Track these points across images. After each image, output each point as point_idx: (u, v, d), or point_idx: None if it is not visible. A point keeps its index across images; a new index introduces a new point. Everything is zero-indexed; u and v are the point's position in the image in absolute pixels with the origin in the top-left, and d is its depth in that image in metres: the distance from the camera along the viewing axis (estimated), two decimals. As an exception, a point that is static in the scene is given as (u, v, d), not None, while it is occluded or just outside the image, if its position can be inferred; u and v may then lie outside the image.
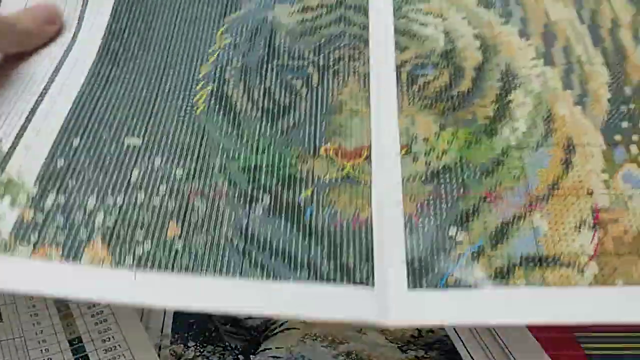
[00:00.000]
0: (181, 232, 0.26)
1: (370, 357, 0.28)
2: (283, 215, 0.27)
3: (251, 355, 0.29)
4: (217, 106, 0.31)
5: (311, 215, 0.27)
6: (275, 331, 0.30)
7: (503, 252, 0.25)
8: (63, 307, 0.31)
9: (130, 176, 0.28)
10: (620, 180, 0.27)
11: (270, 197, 0.27)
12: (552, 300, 0.24)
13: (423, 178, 0.28)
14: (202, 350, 0.29)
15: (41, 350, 0.28)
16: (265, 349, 0.29)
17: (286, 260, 0.26)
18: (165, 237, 0.26)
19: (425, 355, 0.27)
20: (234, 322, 0.31)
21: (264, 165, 0.28)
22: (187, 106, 0.31)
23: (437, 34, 0.33)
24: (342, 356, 0.28)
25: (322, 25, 0.34)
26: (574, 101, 0.30)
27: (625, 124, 0.28)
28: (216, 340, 0.30)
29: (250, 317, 0.32)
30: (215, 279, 0.25)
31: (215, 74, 0.32)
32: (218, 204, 0.27)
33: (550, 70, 0.31)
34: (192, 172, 0.28)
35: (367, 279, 0.25)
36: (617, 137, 0.28)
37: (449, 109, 0.30)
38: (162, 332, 0.30)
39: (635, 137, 0.28)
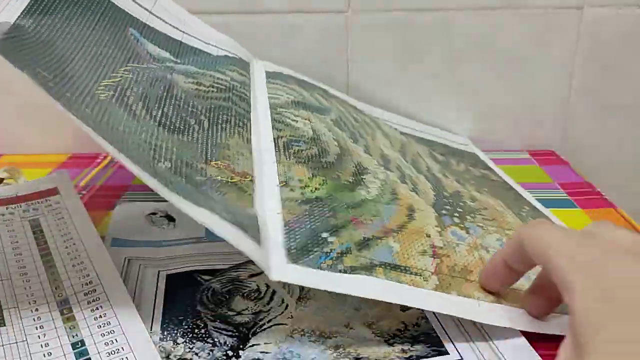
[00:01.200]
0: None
1: (358, 351, 0.28)
2: (184, 178, 0.28)
3: (240, 351, 0.28)
4: (117, 104, 0.32)
5: (206, 191, 0.29)
6: (263, 327, 0.30)
7: (366, 255, 0.29)
8: (66, 310, 0.31)
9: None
10: (450, 234, 0.34)
11: (171, 164, 0.29)
12: (404, 291, 0.28)
13: (299, 202, 0.32)
14: (191, 347, 0.29)
15: (44, 355, 0.28)
16: (253, 345, 0.29)
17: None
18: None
19: (411, 349, 0.28)
20: (223, 319, 0.31)
21: (164, 146, 0.30)
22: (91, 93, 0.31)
23: (306, 128, 0.41)
24: (331, 350, 0.28)
25: (213, 97, 0.40)
26: (410, 189, 0.38)
27: (448, 207, 0.37)
28: (205, 336, 0.29)
29: (239, 314, 0.31)
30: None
31: (117, 88, 0.34)
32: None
33: (390, 172, 0.40)
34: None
35: (259, 242, 0.27)
36: (443, 211, 0.36)
37: (319, 168, 0.36)
38: (151, 329, 0.30)
39: (456, 214, 0.36)
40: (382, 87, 0.57)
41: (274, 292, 0.33)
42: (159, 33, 0.44)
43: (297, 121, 0.41)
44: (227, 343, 0.29)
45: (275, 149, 0.37)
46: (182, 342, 0.29)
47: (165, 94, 0.36)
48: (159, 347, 0.29)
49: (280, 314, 0.31)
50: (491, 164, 0.52)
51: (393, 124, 0.53)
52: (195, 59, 0.44)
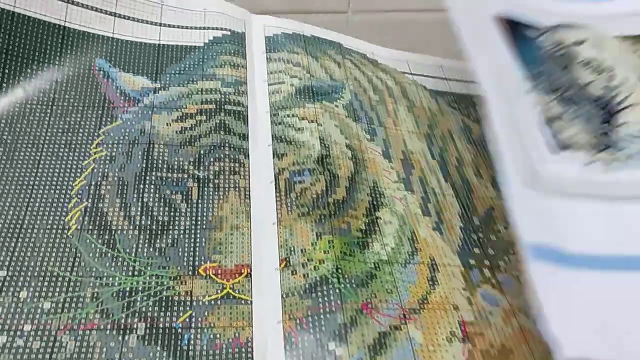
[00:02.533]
0: (48, 372, 0.25)
1: None
2: (159, 343, 0.26)
3: (615, 128, 0.26)
4: (91, 226, 0.30)
5: (189, 341, 0.26)
6: (623, 105, 0.27)
7: (381, 364, 0.26)
8: None
9: (-8, 311, 0.26)
10: (481, 298, 0.29)
11: (146, 324, 0.27)
12: None
13: (302, 292, 0.28)
14: (566, 108, 0.27)
15: None
16: (624, 123, 0.26)
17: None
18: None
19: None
20: (577, 89, 0.28)
21: (139, 289, 0.28)
22: (58, 227, 0.29)
23: (312, 140, 0.35)
24: None
25: (202, 134, 0.35)
26: (432, 227, 0.32)
27: (477, 250, 0.31)
28: (575, 101, 0.27)
29: (588, 85, 0.28)
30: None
31: (89, 189, 0.31)
32: (88, 339, 0.26)
33: (410, 195, 0.34)
34: (60, 305, 0.26)
35: None
36: (472, 261, 0.31)
37: (326, 216, 0.31)
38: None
39: (486, 262, 0.31)
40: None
41: (611, 67, 0.28)
42: (130, 46, 0.38)
43: (302, 129, 0.36)
44: (597, 116, 0.26)
45: (276, 194, 0.32)
46: (554, 100, 0.27)
47: (145, 165, 0.33)
48: (535, 97, 0.26)
49: (633, 93, 0.27)
50: None
51: (424, 80, 0.44)
52: (179, 67, 0.38)
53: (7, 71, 0.34)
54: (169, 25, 0.41)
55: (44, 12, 0.36)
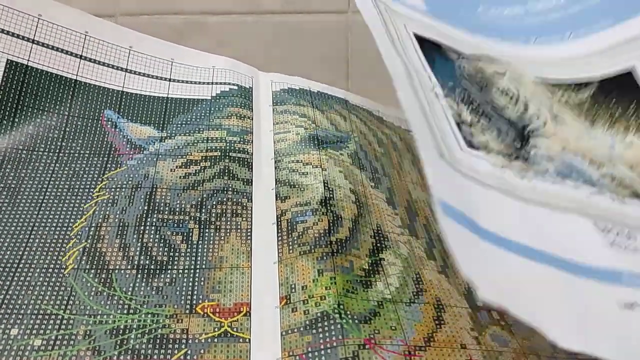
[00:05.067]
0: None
1: (633, 187, 0.25)
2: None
3: (526, 147, 0.26)
4: (89, 265, 0.29)
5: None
6: (534, 133, 0.27)
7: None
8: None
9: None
10: (489, 338, 0.27)
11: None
12: None
13: (302, 328, 0.27)
14: (477, 119, 0.27)
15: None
16: (535, 146, 0.26)
17: None
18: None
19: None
20: (493, 108, 0.28)
21: (134, 327, 0.27)
22: (55, 266, 0.29)
23: (316, 183, 0.34)
24: (608, 178, 0.26)
25: (206, 179, 0.35)
26: (438, 270, 0.31)
27: None
28: (487, 116, 0.27)
29: (504, 109, 0.29)
30: None
31: (89, 230, 0.31)
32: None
33: (415, 240, 0.33)
34: (52, 342, 0.26)
35: None
36: (479, 303, 0.29)
37: (328, 254, 0.30)
38: (430, 79, 0.27)
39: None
40: (382, 87, 0.49)
41: (526, 99, 0.29)
42: (139, 98, 0.39)
43: (306, 174, 0.35)
44: (509, 134, 0.27)
45: (278, 234, 0.32)
46: (467, 110, 0.27)
47: (147, 208, 0.32)
48: (447, 102, 0.26)
49: (543, 126, 0.28)
50: None
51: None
52: (185, 117, 0.39)
53: (16, 120, 0.35)
54: (178, 81, 0.42)
55: (57, 66, 0.38)
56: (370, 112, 0.45)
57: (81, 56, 0.39)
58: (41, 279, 0.28)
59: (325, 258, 0.30)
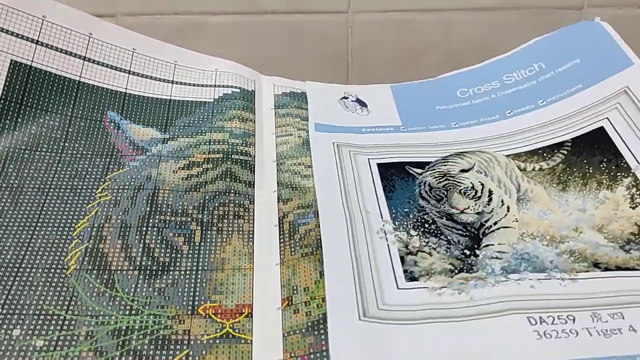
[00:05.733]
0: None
1: (594, 257, 0.27)
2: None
3: (476, 251, 0.29)
4: (91, 265, 0.29)
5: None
6: (491, 229, 0.30)
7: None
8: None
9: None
10: None
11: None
12: None
13: (304, 330, 0.27)
14: (426, 241, 0.29)
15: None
16: (488, 245, 0.29)
17: None
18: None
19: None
20: (449, 217, 0.31)
21: (136, 328, 0.27)
22: (57, 267, 0.29)
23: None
24: (566, 255, 0.28)
25: (208, 180, 0.35)
26: None
27: None
28: (437, 233, 0.30)
29: (462, 212, 0.31)
30: None
31: (91, 231, 0.31)
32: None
33: None
34: (54, 343, 0.25)
35: None
36: None
37: None
38: (382, 217, 0.30)
39: None
40: None
41: (490, 192, 0.32)
42: (142, 100, 0.39)
43: (308, 176, 0.35)
44: (461, 242, 0.29)
45: (280, 237, 0.32)
46: (416, 235, 0.29)
47: (149, 209, 0.32)
48: (396, 236, 0.29)
49: (504, 217, 0.31)
50: None
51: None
52: (188, 120, 0.39)
53: (19, 120, 0.35)
54: (181, 83, 0.42)
55: (61, 67, 0.38)
56: None
57: (85, 57, 0.39)
58: (43, 279, 0.28)
59: None
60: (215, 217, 0.33)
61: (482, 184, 0.32)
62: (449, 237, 0.29)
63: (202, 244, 0.31)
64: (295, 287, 0.29)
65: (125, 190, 0.33)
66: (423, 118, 0.40)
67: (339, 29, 0.52)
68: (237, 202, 0.34)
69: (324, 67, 0.54)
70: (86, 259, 0.29)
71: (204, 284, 0.29)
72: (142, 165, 0.35)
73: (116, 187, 0.34)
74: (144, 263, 0.30)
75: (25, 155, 0.34)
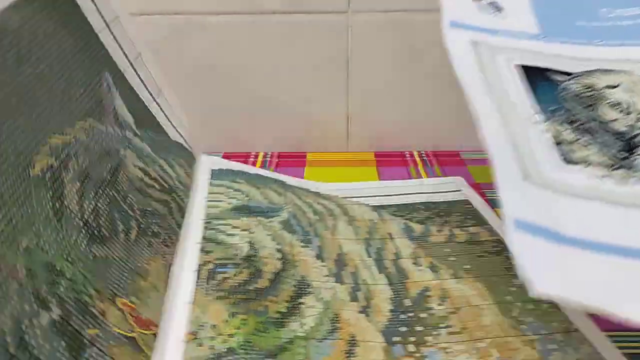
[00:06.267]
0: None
1: None
2: (65, 340, 0.23)
3: (632, 155, 0.26)
4: (49, 183, 0.27)
5: (89, 357, 0.24)
6: None
7: None
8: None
9: None
10: None
11: (62, 313, 0.23)
12: None
13: None
14: (579, 137, 0.27)
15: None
16: None
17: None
18: None
19: None
20: (598, 121, 0.28)
21: (66, 277, 0.25)
22: (21, 171, 0.26)
23: (242, 244, 0.36)
24: None
25: (153, 197, 0.35)
26: (358, 311, 0.33)
27: (403, 328, 0.32)
28: (590, 131, 0.27)
29: (613, 121, 0.28)
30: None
31: (60, 152, 0.28)
32: (8, 290, 0.22)
33: (340, 286, 0.35)
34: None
35: None
36: (396, 338, 0.31)
37: (243, 300, 0.31)
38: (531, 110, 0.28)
39: (412, 338, 0.31)
40: (382, 88, 0.55)
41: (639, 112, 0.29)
42: (130, 88, 0.39)
43: (233, 235, 0.37)
44: (615, 145, 0.27)
45: (197, 281, 0.32)
46: (569, 129, 0.27)
47: (109, 178, 0.31)
48: (547, 127, 0.27)
49: None
50: (484, 212, 0.45)
51: (366, 199, 0.48)
52: (153, 136, 0.40)
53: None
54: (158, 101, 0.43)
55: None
56: (307, 189, 0.48)
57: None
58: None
59: (240, 303, 0.31)
60: (150, 231, 0.32)
61: (631, 102, 0.31)
62: (601, 140, 0.28)
63: (135, 246, 0.30)
64: (202, 325, 0.29)
65: (98, 142, 0.32)
66: (564, 30, 0.38)
67: (339, 29, 0.52)
68: (168, 231, 0.34)
69: (323, 67, 0.54)
70: (47, 174, 0.27)
71: (128, 280, 0.28)
72: (115, 137, 0.34)
73: (92, 133, 0.32)
74: (89, 220, 0.28)
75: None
